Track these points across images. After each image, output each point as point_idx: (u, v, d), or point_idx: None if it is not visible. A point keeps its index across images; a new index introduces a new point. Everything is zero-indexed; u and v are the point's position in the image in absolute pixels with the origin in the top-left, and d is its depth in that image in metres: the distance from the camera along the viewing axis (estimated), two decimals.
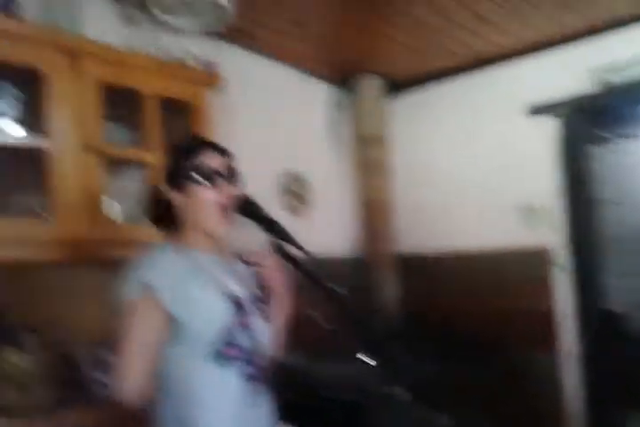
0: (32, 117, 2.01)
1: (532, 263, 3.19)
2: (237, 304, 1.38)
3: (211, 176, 1.38)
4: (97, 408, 1.85)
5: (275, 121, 3.28)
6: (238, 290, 1.42)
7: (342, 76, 3.65)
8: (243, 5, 2.50)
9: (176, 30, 2.56)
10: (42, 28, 1.96)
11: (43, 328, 1.92)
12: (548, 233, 3.16)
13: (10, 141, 1.90)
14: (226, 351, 1.34)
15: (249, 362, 1.38)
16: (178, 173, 1.40)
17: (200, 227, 1.41)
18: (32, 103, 1.97)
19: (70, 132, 1.98)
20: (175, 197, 1.41)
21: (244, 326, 1.37)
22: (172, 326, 1.32)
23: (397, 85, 3.77)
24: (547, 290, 3.14)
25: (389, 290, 3.60)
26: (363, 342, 1.48)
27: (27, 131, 1.99)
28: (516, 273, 3.24)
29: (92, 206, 2.01)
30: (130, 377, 1.31)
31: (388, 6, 2.71)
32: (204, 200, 1.38)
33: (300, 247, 1.37)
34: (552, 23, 2.96)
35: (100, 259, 2.02)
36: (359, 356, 2.79)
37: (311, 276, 1.37)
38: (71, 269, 2.16)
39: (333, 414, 2.50)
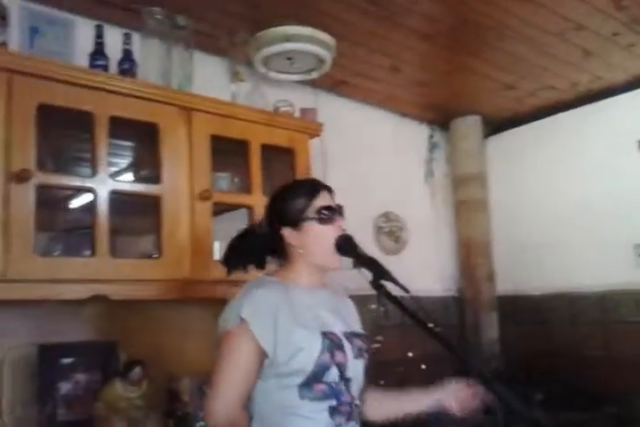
0: (149, 168, 2.20)
1: None
2: (332, 341, 1.41)
3: (332, 216, 1.49)
4: None
5: (371, 164, 3.36)
6: (335, 325, 1.47)
7: (438, 116, 3.69)
8: (340, 55, 2.62)
9: (277, 82, 2.73)
10: (159, 87, 2.15)
11: (149, 362, 2.02)
12: None
13: (130, 189, 2.08)
14: (316, 387, 1.37)
15: (338, 398, 1.40)
16: (300, 214, 1.49)
17: (317, 262, 1.50)
18: (150, 155, 2.15)
19: (183, 180, 2.14)
20: (294, 236, 1.50)
21: (337, 363, 1.40)
22: (264, 360, 1.38)
23: (494, 124, 3.76)
24: None
25: (488, 331, 3.51)
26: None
27: (144, 180, 2.17)
28: (632, 316, 3.06)
29: (201, 249, 2.13)
30: (221, 404, 1.35)
31: (485, 45, 2.73)
32: (328, 237, 1.48)
33: (399, 285, 1.38)
34: None
35: (206, 297, 2.13)
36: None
37: (412, 314, 1.37)
38: (178, 307, 2.29)
39: None
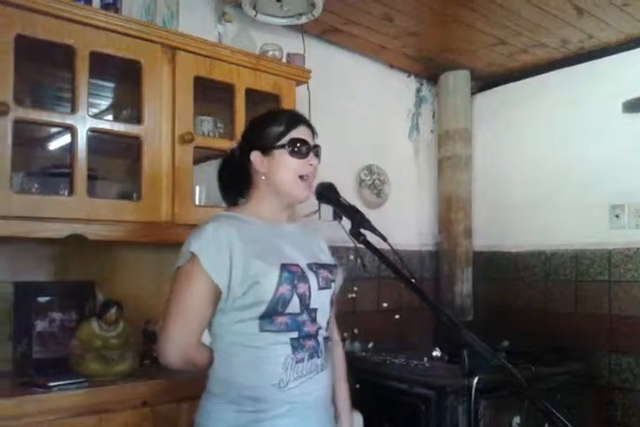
0: (130, 108, 2.16)
1: (621, 265, 3.05)
2: (293, 273, 1.40)
3: (306, 150, 1.47)
4: (169, 380, 1.92)
5: (357, 114, 3.33)
6: (298, 257, 1.46)
7: (428, 70, 3.64)
8: (332, 1, 2.55)
9: (266, 25, 2.65)
10: (143, 24, 2.08)
11: (126, 303, 2.03)
12: None
13: (109, 128, 2.03)
14: (277, 320, 1.37)
15: (300, 330, 1.40)
16: (273, 141, 1.47)
17: (281, 190, 1.48)
18: (132, 94, 2.10)
19: (165, 121, 2.11)
20: (262, 161, 1.48)
21: (299, 295, 1.40)
22: (221, 295, 1.37)
23: (483, 79, 3.72)
24: (638, 294, 2.98)
25: (462, 285, 3.58)
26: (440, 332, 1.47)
27: (125, 120, 2.12)
28: (603, 274, 3.12)
29: (181, 192, 2.12)
30: (174, 345, 1.36)
31: None
32: (294, 169, 1.46)
33: (378, 234, 1.37)
34: None
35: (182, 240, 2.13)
36: (434, 352, 2.82)
37: (389, 264, 1.37)
38: (157, 250, 2.29)
39: (401, 407, 2.52)
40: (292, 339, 1.39)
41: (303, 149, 1.47)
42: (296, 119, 1.51)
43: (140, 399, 1.85)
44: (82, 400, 1.76)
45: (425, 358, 2.80)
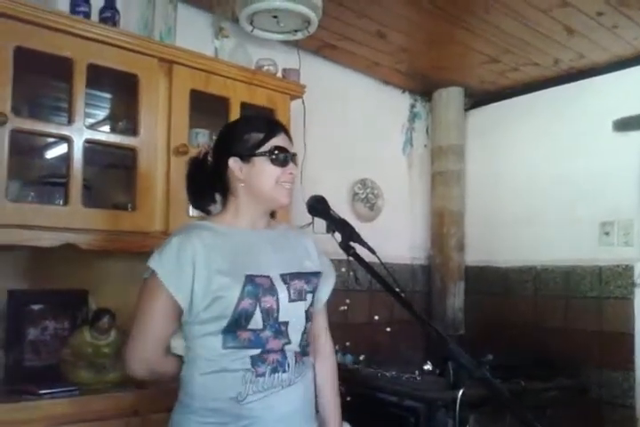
0: (127, 120, 2.19)
1: (611, 281, 3.08)
2: (258, 285, 1.36)
3: (286, 158, 1.45)
4: (160, 389, 1.90)
5: (351, 129, 3.38)
6: (270, 268, 1.42)
7: (421, 86, 3.69)
8: (327, 18, 2.60)
9: (262, 40, 2.70)
10: (140, 38, 2.12)
11: (119, 312, 2.04)
12: (632, 251, 3.04)
13: (105, 140, 2.06)
14: (241, 335, 1.35)
15: (263, 347, 1.36)
16: (253, 148, 1.43)
17: (263, 198, 1.45)
18: (128, 107, 2.14)
19: (161, 134, 2.14)
20: (240, 168, 1.44)
21: (264, 309, 1.36)
22: (184, 308, 1.36)
23: (476, 96, 3.77)
24: (628, 310, 3.01)
25: (454, 299, 3.60)
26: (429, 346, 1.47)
27: (121, 132, 2.15)
28: (593, 291, 3.14)
29: (175, 203, 2.15)
30: (137, 354, 1.38)
31: (472, 17, 2.72)
32: (275, 177, 1.44)
33: (367, 247, 1.37)
34: None
35: None
36: (425, 366, 2.83)
37: (379, 277, 1.37)
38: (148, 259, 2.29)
39: (391, 419, 2.53)
40: (251, 356, 1.35)
41: (284, 158, 1.45)
42: (275, 126, 1.49)
43: (132, 408, 1.86)
44: (73, 408, 1.77)
45: (416, 372, 2.82)
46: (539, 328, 3.31)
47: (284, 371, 1.38)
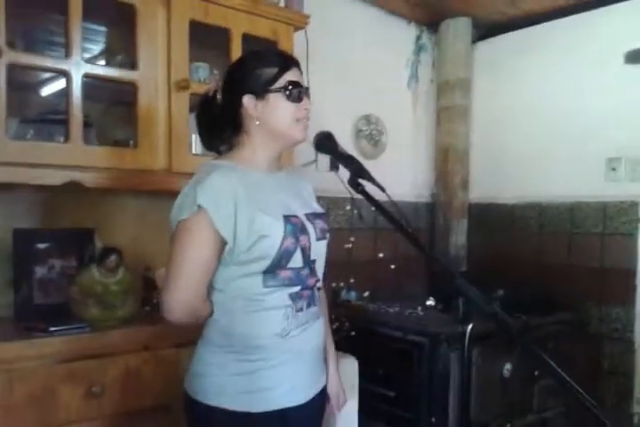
0: (125, 53, 2.11)
1: (615, 217, 3.06)
2: (295, 225, 1.38)
3: (301, 93, 1.42)
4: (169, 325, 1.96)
5: (355, 62, 3.27)
6: (297, 208, 1.44)
7: (428, 16, 3.55)
8: None
9: None
10: None
11: (126, 251, 2.04)
12: (639, 187, 3.00)
13: (104, 74, 1.99)
14: (281, 274, 1.36)
15: (303, 284, 1.41)
16: (267, 84, 1.39)
17: (279, 136, 1.43)
18: (126, 40, 2.05)
19: (160, 67, 2.07)
20: (255, 106, 1.41)
21: (302, 247, 1.38)
22: (225, 248, 1.33)
23: (484, 27, 3.63)
24: (631, 247, 3.01)
25: (457, 236, 3.60)
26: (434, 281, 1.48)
27: (120, 66, 2.08)
28: (597, 227, 3.14)
29: (177, 140, 2.10)
30: (182, 300, 1.31)
31: None
32: (291, 113, 1.41)
33: (376, 184, 1.35)
34: None
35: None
36: (427, 301, 2.87)
37: (386, 213, 1.36)
38: (156, 198, 2.27)
39: (395, 353, 2.58)
40: (292, 293, 1.39)
41: (298, 93, 1.41)
42: (288, 60, 1.45)
43: (141, 344, 1.89)
44: (83, 344, 1.79)
45: (419, 307, 2.87)
46: (541, 265, 3.33)
47: (315, 304, 1.47)
